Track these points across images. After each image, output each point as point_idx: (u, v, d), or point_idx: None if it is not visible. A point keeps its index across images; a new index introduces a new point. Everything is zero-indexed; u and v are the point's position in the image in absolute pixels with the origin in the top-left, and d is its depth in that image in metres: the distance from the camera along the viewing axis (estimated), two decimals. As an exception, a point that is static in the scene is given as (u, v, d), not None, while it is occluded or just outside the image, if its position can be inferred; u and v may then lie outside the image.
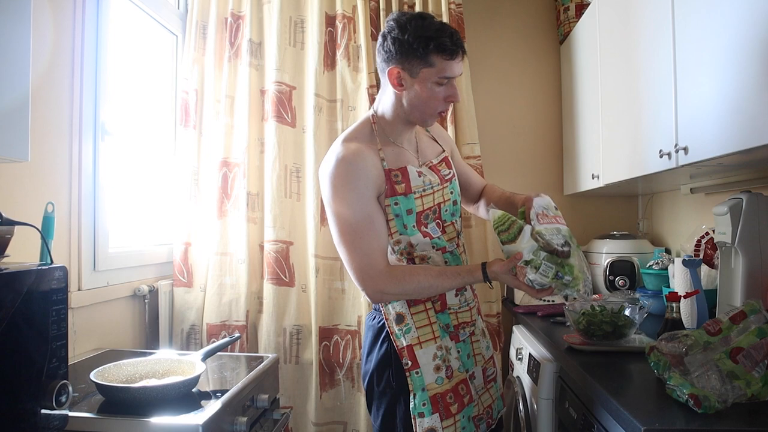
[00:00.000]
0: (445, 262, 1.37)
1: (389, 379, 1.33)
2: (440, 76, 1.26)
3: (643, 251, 2.29)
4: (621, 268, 2.25)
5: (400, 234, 1.32)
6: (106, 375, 1.31)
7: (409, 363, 1.30)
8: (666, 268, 1.97)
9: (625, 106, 1.83)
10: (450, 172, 1.43)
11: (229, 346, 1.66)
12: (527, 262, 1.20)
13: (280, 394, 1.82)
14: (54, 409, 0.99)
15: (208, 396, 1.32)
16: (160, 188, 2.31)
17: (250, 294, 2.25)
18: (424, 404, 1.29)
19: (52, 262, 1.09)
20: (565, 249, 1.21)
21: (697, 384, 1.03)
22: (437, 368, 1.31)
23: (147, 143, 2.23)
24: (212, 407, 1.22)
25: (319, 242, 2.24)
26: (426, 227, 1.34)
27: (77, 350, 1.67)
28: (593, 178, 2.14)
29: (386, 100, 1.35)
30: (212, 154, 2.30)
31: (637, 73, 1.72)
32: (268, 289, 2.24)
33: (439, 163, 1.42)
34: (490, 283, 1.28)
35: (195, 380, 1.32)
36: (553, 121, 2.74)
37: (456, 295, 1.37)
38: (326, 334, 2.26)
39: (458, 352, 1.36)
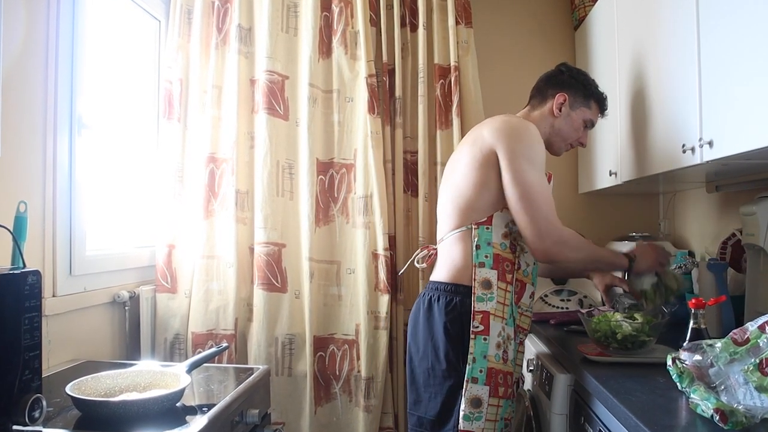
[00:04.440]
0: (535, 264, 1.61)
1: (459, 359, 1.47)
2: (588, 118, 1.71)
3: (665, 254, 2.28)
4: (641, 272, 2.24)
5: None
6: (83, 388, 1.30)
7: (481, 327, 1.46)
8: (689, 273, 1.97)
9: (645, 97, 1.83)
10: None
11: (217, 357, 1.66)
12: None
13: (271, 409, 1.82)
14: (27, 425, 0.99)
15: (193, 411, 1.32)
16: (142, 186, 2.31)
17: (239, 300, 2.25)
18: (480, 371, 1.45)
19: (24, 265, 1.09)
20: None
21: (722, 398, 1.03)
22: (498, 345, 1.48)
23: (127, 137, 2.23)
24: (198, 423, 1.22)
25: (313, 244, 2.24)
26: None
27: (52, 361, 1.67)
28: (611, 175, 2.15)
29: (538, 117, 1.69)
30: (198, 149, 2.30)
31: (658, 61, 1.73)
32: (259, 295, 2.24)
33: None
34: (630, 269, 1.57)
35: (179, 394, 1.32)
36: (567, 114, 2.74)
37: (530, 297, 1.59)
38: (321, 343, 2.26)
39: (513, 347, 1.54)
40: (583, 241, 1.54)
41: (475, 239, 1.52)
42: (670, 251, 1.57)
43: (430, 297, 1.57)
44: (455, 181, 1.60)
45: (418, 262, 1.76)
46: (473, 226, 1.53)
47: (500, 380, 1.47)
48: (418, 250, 1.79)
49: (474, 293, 1.49)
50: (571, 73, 1.72)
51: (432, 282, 1.61)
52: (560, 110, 1.67)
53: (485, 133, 1.57)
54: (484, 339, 1.46)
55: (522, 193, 1.47)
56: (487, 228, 1.52)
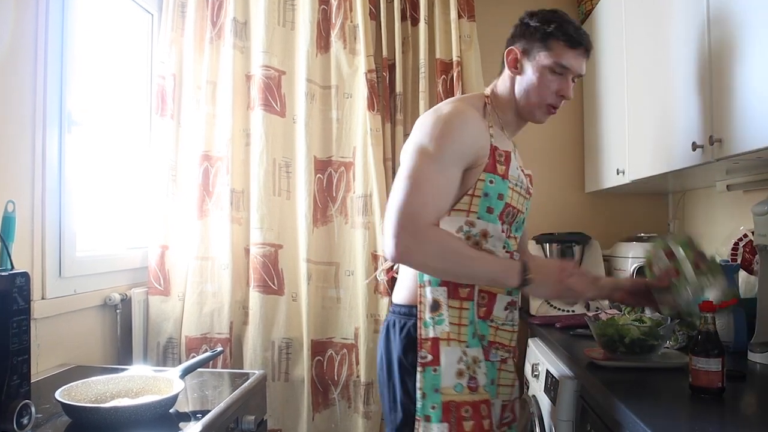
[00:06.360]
0: None
1: (412, 392, 1.31)
2: (556, 61, 1.35)
3: (674, 255, 2.28)
4: (649, 274, 2.24)
5: (478, 217, 1.32)
6: (73, 394, 1.30)
7: (429, 357, 1.29)
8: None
9: (655, 93, 1.83)
10: (532, 190, 1.50)
11: (211, 362, 1.65)
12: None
13: (267, 416, 1.82)
14: (15, 432, 0.99)
15: (187, 417, 1.32)
16: (134, 185, 2.31)
17: (234, 303, 2.25)
18: (433, 407, 1.27)
19: (12, 267, 1.09)
20: None
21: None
22: (460, 373, 1.29)
23: (119, 134, 2.23)
24: (192, 430, 1.22)
25: (311, 245, 2.24)
26: (502, 224, 1.36)
27: (41, 366, 1.67)
28: (618, 174, 2.15)
29: (502, 83, 1.44)
30: (192, 146, 2.30)
31: (667, 56, 1.72)
32: (255, 297, 2.24)
33: (526, 174, 1.48)
34: (521, 286, 1.24)
35: (172, 400, 1.32)
36: (574, 110, 2.74)
37: (505, 308, 1.37)
38: (319, 348, 2.26)
39: (486, 370, 1.34)
40: (454, 246, 1.25)
41: None
42: (595, 284, 1.29)
43: (389, 322, 1.42)
44: None
45: (379, 276, 1.58)
46: None
47: (465, 413, 1.27)
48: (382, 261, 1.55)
49: (420, 318, 1.32)
50: (521, 20, 1.42)
51: (392, 304, 1.45)
52: (517, 67, 1.39)
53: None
54: (434, 370, 1.28)
55: (398, 180, 1.28)
56: None
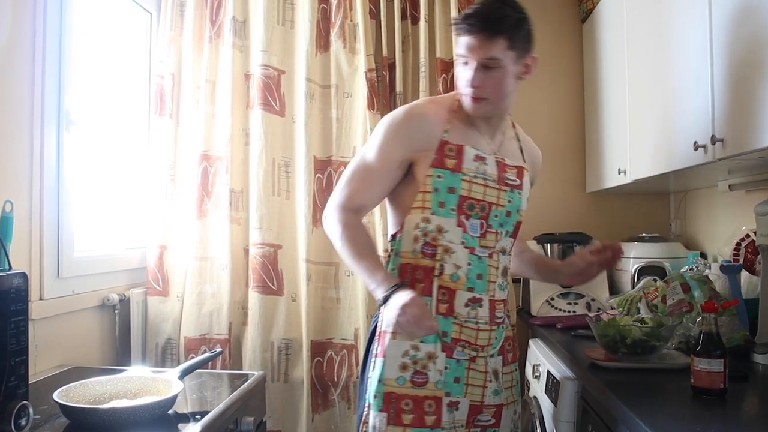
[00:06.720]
0: (469, 264, 1.38)
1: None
2: (457, 54, 1.40)
3: (676, 255, 2.29)
4: (651, 274, 2.25)
5: (432, 213, 1.38)
6: (72, 395, 1.30)
7: (379, 349, 1.39)
8: (702, 275, 1.97)
9: (656, 93, 1.84)
10: (517, 182, 1.46)
11: (210, 363, 1.66)
12: None
13: (267, 417, 1.82)
14: (13, 434, 0.99)
15: (186, 418, 1.32)
16: (133, 185, 2.31)
17: (233, 304, 2.25)
18: (375, 396, 1.35)
19: (10, 267, 1.09)
20: None
21: None
22: (403, 367, 1.36)
23: (117, 134, 2.23)
24: (191, 431, 1.22)
25: (311, 245, 2.24)
26: (467, 219, 1.38)
27: (39, 367, 1.67)
28: (619, 174, 2.15)
29: None
30: (191, 146, 2.30)
31: (669, 55, 1.73)
32: (254, 298, 2.24)
33: (511, 166, 1.46)
34: (383, 301, 1.31)
35: (171, 401, 1.32)
36: (575, 109, 2.74)
37: (466, 305, 1.38)
38: (319, 348, 2.26)
39: (446, 368, 1.36)
40: (351, 238, 1.40)
41: (392, 252, 1.44)
42: (432, 327, 1.29)
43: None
44: None
45: None
46: (390, 239, 1.46)
47: (405, 406, 1.33)
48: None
49: (380, 312, 1.39)
50: None
51: None
52: None
53: None
54: (381, 361, 1.36)
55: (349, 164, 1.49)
56: (400, 237, 1.42)
